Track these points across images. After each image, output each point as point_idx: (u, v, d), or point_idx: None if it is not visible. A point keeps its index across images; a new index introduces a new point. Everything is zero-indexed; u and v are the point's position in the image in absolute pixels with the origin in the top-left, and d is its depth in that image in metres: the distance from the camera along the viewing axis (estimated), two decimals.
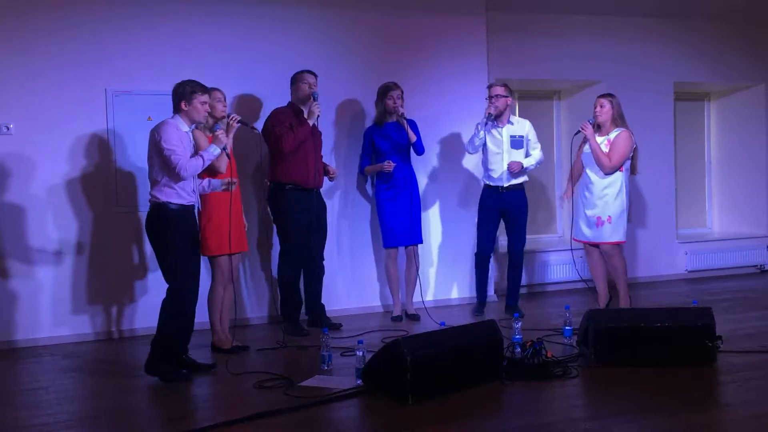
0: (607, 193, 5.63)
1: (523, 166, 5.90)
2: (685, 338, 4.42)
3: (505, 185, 5.92)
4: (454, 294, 6.67)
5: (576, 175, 5.94)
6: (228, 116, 4.98)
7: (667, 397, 3.93)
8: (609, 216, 5.63)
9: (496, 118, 5.90)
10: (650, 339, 4.44)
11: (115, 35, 5.69)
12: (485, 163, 6.02)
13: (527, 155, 5.99)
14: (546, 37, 7.16)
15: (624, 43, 7.42)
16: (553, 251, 7.30)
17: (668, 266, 7.69)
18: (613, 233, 5.65)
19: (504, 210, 6.00)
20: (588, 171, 5.73)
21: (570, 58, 7.24)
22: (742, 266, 7.92)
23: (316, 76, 5.68)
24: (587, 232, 5.74)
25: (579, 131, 5.72)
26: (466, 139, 6.28)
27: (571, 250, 6.29)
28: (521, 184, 6.00)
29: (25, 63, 5.51)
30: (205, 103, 4.56)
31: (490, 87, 5.96)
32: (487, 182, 6.02)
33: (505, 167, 5.89)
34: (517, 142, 5.94)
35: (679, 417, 3.63)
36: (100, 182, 5.68)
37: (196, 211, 4.71)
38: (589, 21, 7.30)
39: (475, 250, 6.20)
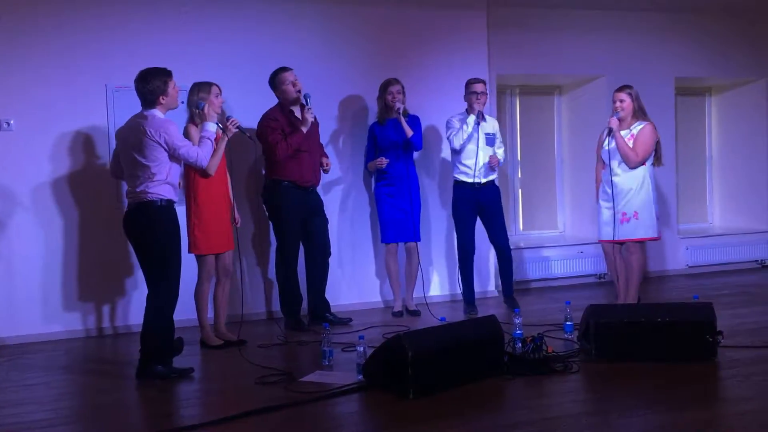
0: (632, 188, 5.50)
1: (500, 162, 5.93)
2: (685, 333, 4.41)
3: (483, 181, 5.92)
4: (454, 290, 6.66)
5: (599, 177, 5.78)
6: (228, 119, 4.94)
7: (668, 392, 3.93)
8: (635, 211, 5.50)
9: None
10: (651, 334, 4.43)
11: (116, 30, 5.69)
12: (459, 159, 5.96)
13: (493, 153, 5.99)
14: (546, 32, 7.14)
15: (625, 38, 7.40)
16: (554, 247, 7.30)
17: (669, 261, 7.69)
18: (640, 229, 5.51)
19: (481, 206, 5.98)
20: (611, 166, 5.56)
21: (571, 53, 7.23)
22: (743, 261, 7.91)
23: (291, 69, 5.57)
24: (611, 230, 5.57)
25: (609, 129, 5.53)
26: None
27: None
28: (493, 179, 6.03)
29: (26, 59, 5.51)
30: (175, 86, 4.47)
31: (471, 82, 5.93)
32: (462, 178, 5.97)
33: (482, 163, 5.87)
34: (490, 139, 5.96)
35: (679, 412, 3.63)
36: (100, 177, 5.67)
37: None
38: (590, 16, 7.28)
39: (458, 250, 6.12)
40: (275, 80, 5.58)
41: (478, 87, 5.89)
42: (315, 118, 5.67)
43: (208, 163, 4.71)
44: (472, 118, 5.85)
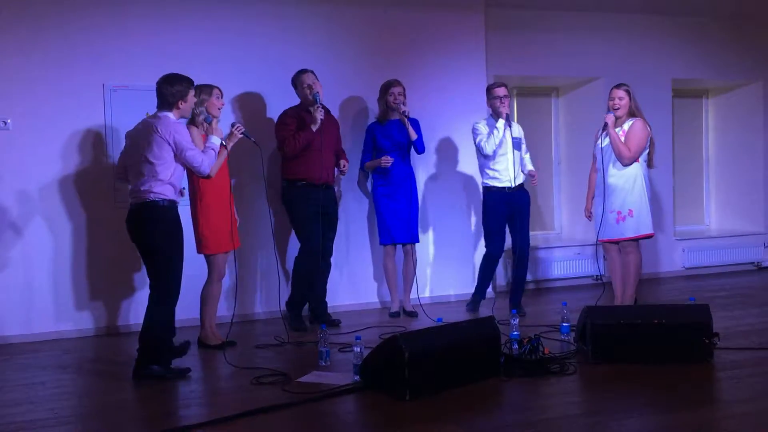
0: (625, 186, 5.50)
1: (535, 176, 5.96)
2: (682, 335, 4.43)
3: (514, 186, 5.87)
4: (451, 291, 6.67)
5: (594, 186, 5.76)
6: (232, 125, 4.93)
7: (664, 393, 3.94)
8: (630, 209, 5.49)
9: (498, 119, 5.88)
10: (647, 336, 4.44)
11: (113, 30, 5.69)
12: (488, 164, 5.90)
13: (521, 157, 5.97)
14: (544, 33, 7.15)
15: (623, 40, 7.42)
16: (552, 248, 7.31)
17: (666, 263, 7.70)
18: (637, 226, 5.50)
19: (512, 210, 5.92)
20: (605, 166, 5.55)
21: (568, 55, 7.24)
22: (740, 263, 7.93)
23: (313, 73, 5.65)
24: (609, 230, 5.57)
25: (604, 124, 5.53)
26: (464, 136, 6.25)
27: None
28: (523, 183, 5.98)
29: (23, 58, 5.51)
30: (194, 95, 4.58)
31: (492, 88, 5.89)
32: (493, 184, 5.92)
33: (512, 167, 5.82)
34: (517, 144, 5.91)
35: (675, 414, 3.64)
36: (98, 177, 5.68)
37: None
38: (588, 18, 7.29)
39: (486, 251, 6.06)
40: (295, 81, 5.67)
41: (501, 91, 5.83)
42: (334, 119, 5.73)
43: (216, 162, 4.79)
44: (501, 123, 5.77)
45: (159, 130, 4.37)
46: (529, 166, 5.99)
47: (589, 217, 5.87)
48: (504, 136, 5.82)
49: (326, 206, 5.70)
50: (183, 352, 4.70)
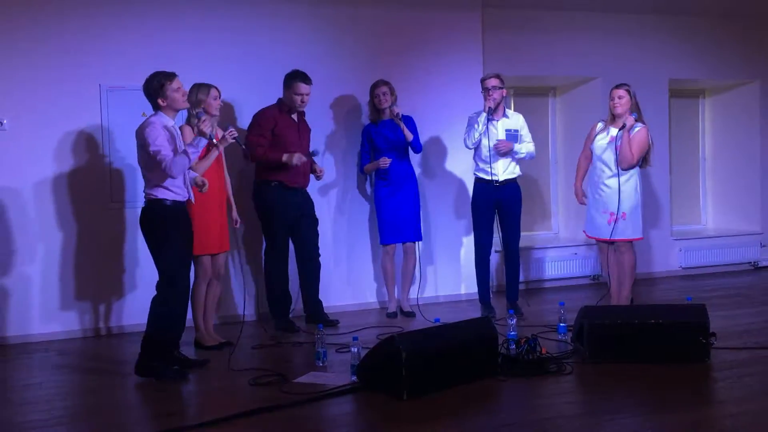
0: (623, 188, 5.51)
1: (512, 148, 5.74)
2: (679, 335, 4.43)
3: (501, 179, 5.83)
4: (449, 291, 6.67)
5: (584, 170, 5.81)
6: (226, 129, 4.87)
7: (661, 393, 3.95)
8: (623, 212, 5.51)
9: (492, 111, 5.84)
10: (644, 336, 4.45)
11: (110, 30, 5.68)
12: (479, 157, 5.86)
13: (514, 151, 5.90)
14: (541, 33, 7.16)
15: (620, 39, 7.42)
16: (549, 248, 7.31)
17: (662, 263, 7.71)
18: (628, 229, 5.53)
19: (498, 204, 5.87)
20: (603, 165, 5.57)
21: (565, 55, 7.24)
22: (736, 263, 7.93)
23: (310, 83, 5.57)
24: (601, 228, 5.59)
25: (622, 126, 5.49)
26: (462, 135, 6.24)
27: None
28: (515, 178, 5.91)
29: (19, 58, 5.49)
30: (179, 88, 4.42)
31: (484, 79, 5.85)
32: (481, 176, 5.88)
33: (500, 161, 5.77)
34: (512, 136, 5.82)
35: (672, 413, 3.64)
36: (93, 178, 5.67)
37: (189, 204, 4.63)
38: (585, 18, 7.30)
39: (475, 249, 6.01)
40: (289, 83, 5.56)
41: (489, 82, 5.74)
42: (307, 123, 5.72)
43: (191, 167, 4.61)
44: (483, 116, 5.72)
45: (136, 134, 4.40)
46: (516, 147, 5.79)
47: (583, 201, 5.82)
48: (494, 128, 5.76)
49: (303, 208, 5.70)
50: (193, 365, 4.67)
